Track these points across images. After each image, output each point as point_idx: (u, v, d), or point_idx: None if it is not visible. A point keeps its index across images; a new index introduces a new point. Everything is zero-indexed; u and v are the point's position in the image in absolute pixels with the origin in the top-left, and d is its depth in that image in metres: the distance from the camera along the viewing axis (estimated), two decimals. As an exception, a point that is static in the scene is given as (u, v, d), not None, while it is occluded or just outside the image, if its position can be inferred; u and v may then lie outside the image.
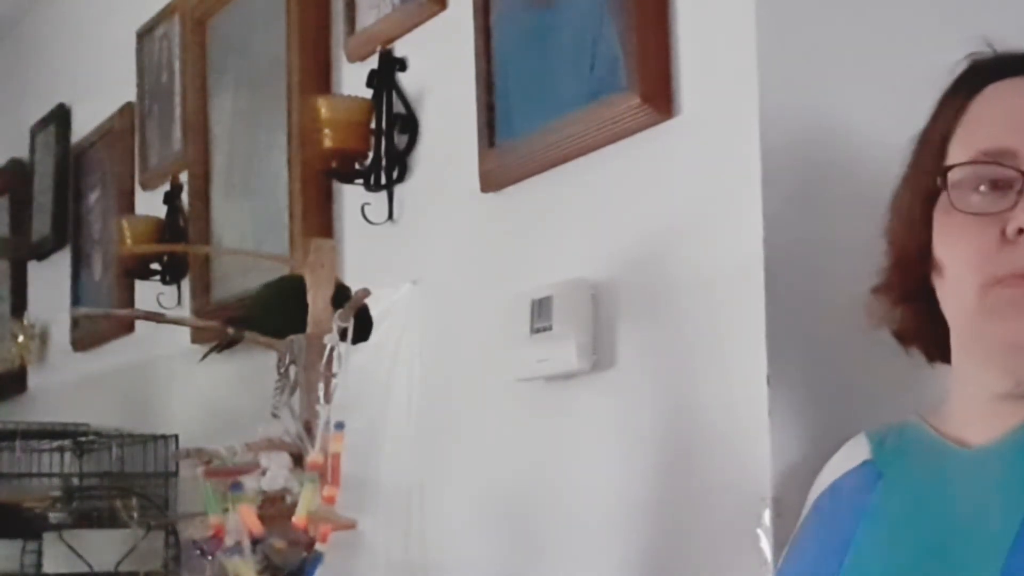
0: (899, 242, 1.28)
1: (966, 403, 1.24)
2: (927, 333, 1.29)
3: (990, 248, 1.16)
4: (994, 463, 1.18)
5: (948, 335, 1.26)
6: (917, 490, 1.23)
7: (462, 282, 2.15)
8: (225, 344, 2.10)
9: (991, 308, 1.17)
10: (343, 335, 1.71)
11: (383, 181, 2.33)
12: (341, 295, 1.80)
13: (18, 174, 4.30)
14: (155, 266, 3.19)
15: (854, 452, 1.33)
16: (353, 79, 2.44)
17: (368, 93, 2.34)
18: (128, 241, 3.14)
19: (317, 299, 1.78)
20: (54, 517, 2.86)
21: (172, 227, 3.18)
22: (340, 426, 1.66)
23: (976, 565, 1.12)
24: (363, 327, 1.81)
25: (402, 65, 2.33)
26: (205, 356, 2.21)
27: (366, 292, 1.81)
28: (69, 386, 3.83)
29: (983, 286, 1.17)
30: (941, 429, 1.26)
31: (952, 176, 1.20)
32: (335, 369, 1.73)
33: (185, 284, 3.14)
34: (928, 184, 1.23)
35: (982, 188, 1.18)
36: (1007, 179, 1.17)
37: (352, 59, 2.47)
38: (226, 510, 1.69)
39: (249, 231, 2.85)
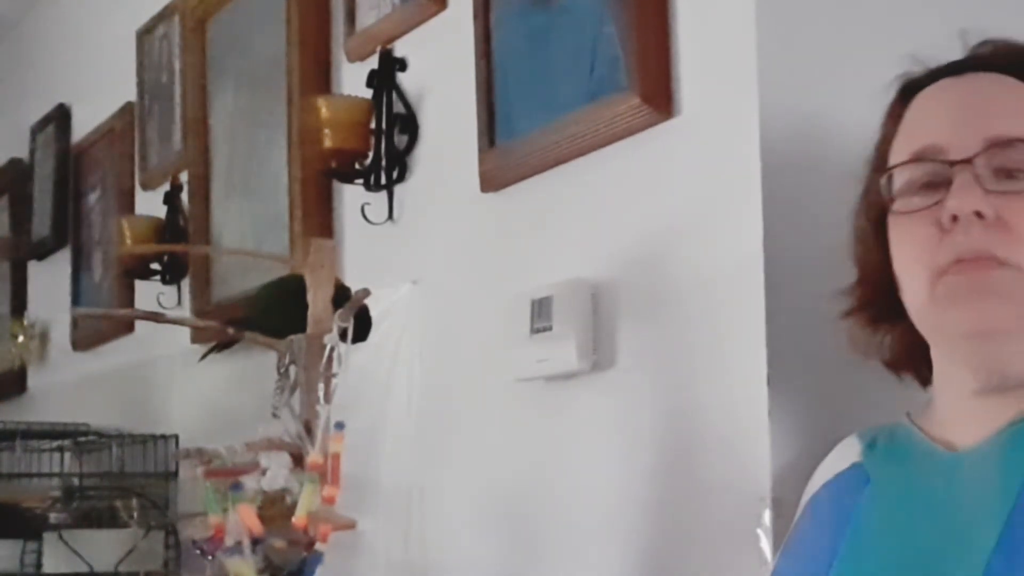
0: (861, 260, 1.30)
1: (948, 405, 1.24)
2: (916, 358, 1.30)
3: (930, 241, 1.18)
4: (977, 466, 1.19)
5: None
6: (902, 494, 1.24)
7: (462, 282, 2.15)
8: (224, 344, 2.10)
9: (941, 299, 1.18)
10: (343, 335, 1.71)
11: (383, 181, 2.33)
12: (341, 295, 1.80)
13: (18, 174, 4.30)
14: (155, 266, 3.19)
15: (845, 454, 1.33)
16: (353, 79, 2.44)
17: (368, 93, 2.34)
18: (128, 241, 3.14)
19: (317, 299, 1.78)
20: (54, 517, 2.86)
21: (172, 227, 3.18)
22: (340, 426, 1.67)
23: (958, 570, 1.13)
24: (362, 327, 1.81)
25: (402, 65, 2.33)
26: (204, 356, 2.22)
27: (366, 292, 1.81)
28: (69, 386, 3.83)
29: (931, 279, 1.18)
30: (928, 431, 1.26)
31: (894, 185, 1.22)
32: (335, 369, 1.74)
33: (185, 284, 3.14)
34: (876, 199, 1.25)
35: (920, 189, 1.20)
36: (938, 173, 1.19)
37: (352, 59, 2.47)
38: (226, 510, 1.69)
39: (249, 231, 2.85)
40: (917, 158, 1.20)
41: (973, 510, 1.16)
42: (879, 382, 1.49)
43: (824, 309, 1.48)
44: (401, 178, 2.31)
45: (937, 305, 1.18)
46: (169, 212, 3.20)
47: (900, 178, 1.21)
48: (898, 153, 1.23)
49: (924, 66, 1.28)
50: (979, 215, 1.15)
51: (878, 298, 1.28)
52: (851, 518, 1.25)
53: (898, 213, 1.21)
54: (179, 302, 3.16)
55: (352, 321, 1.72)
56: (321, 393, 1.72)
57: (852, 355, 1.35)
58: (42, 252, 4.11)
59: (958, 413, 1.23)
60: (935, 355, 1.26)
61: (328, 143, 2.31)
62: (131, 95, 3.50)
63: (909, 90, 1.27)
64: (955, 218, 1.16)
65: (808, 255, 1.55)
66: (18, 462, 3.16)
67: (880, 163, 1.26)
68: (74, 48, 4.01)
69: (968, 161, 1.16)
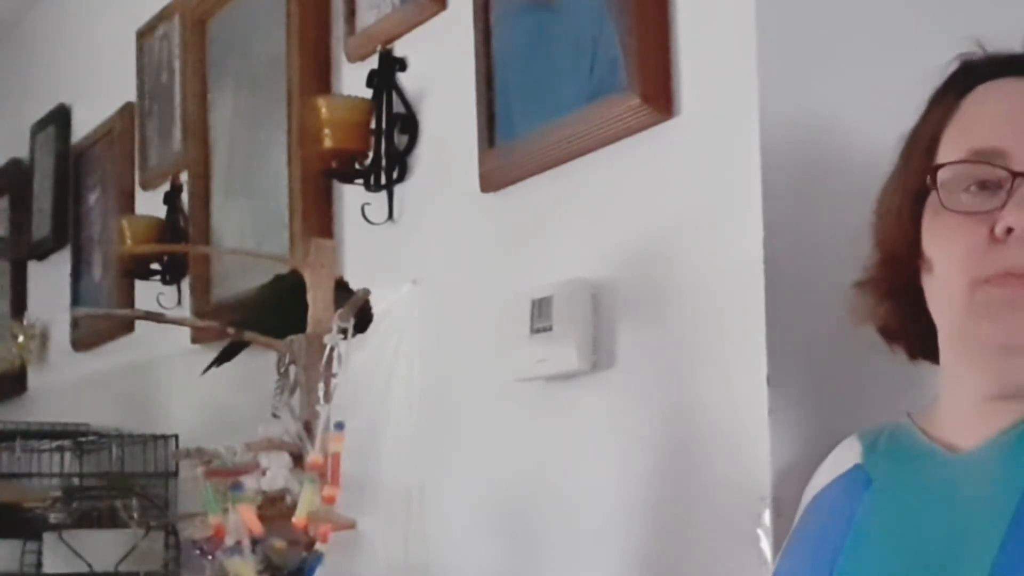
0: (887, 240, 1.27)
1: (955, 406, 1.24)
2: (910, 330, 1.29)
3: (979, 247, 1.16)
4: (980, 468, 1.18)
5: (931, 333, 1.26)
6: (905, 497, 1.23)
7: (462, 282, 2.15)
8: (227, 356, 2.09)
9: (980, 307, 1.16)
10: (343, 335, 1.71)
11: (383, 181, 2.33)
12: (343, 293, 1.80)
13: (18, 174, 4.30)
14: (155, 266, 3.19)
15: (846, 455, 1.32)
16: (353, 79, 2.44)
17: (368, 93, 2.34)
18: (128, 241, 3.14)
19: (317, 299, 1.78)
20: (54, 517, 2.86)
21: (172, 227, 3.18)
22: (340, 426, 1.67)
23: (963, 571, 1.12)
24: (363, 319, 1.81)
25: (402, 65, 2.33)
26: (207, 370, 2.19)
27: (366, 292, 1.81)
28: (69, 386, 3.83)
29: (972, 284, 1.17)
30: (930, 432, 1.25)
31: (941, 176, 1.19)
32: (335, 369, 1.74)
33: (185, 284, 3.14)
34: (917, 183, 1.23)
35: (972, 188, 1.18)
36: (996, 179, 1.16)
37: (352, 59, 2.47)
38: (226, 510, 1.69)
39: (249, 231, 2.85)
40: (976, 159, 1.18)
41: (977, 512, 1.15)
42: (879, 381, 1.49)
43: (824, 309, 1.48)
44: (401, 178, 2.31)
45: (973, 312, 1.17)
46: (169, 212, 3.20)
47: (949, 171, 1.19)
48: (953, 146, 1.20)
49: (985, 51, 1.25)
50: None
51: (898, 275, 1.26)
52: (853, 520, 1.24)
53: (947, 209, 1.18)
54: (179, 302, 3.16)
55: (352, 321, 1.72)
56: (321, 393, 1.72)
57: (850, 321, 1.33)
58: (42, 252, 4.10)
59: (964, 415, 1.22)
60: (949, 354, 1.24)
61: (328, 143, 2.31)
62: (131, 95, 3.50)
63: (967, 76, 1.24)
64: (1010, 230, 1.14)
65: (808, 255, 1.55)
66: (18, 462, 3.15)
67: (924, 145, 1.23)
68: (74, 48, 4.01)
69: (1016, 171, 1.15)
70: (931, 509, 1.20)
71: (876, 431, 1.32)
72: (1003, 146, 1.17)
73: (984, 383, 1.19)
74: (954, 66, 1.26)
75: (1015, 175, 1.15)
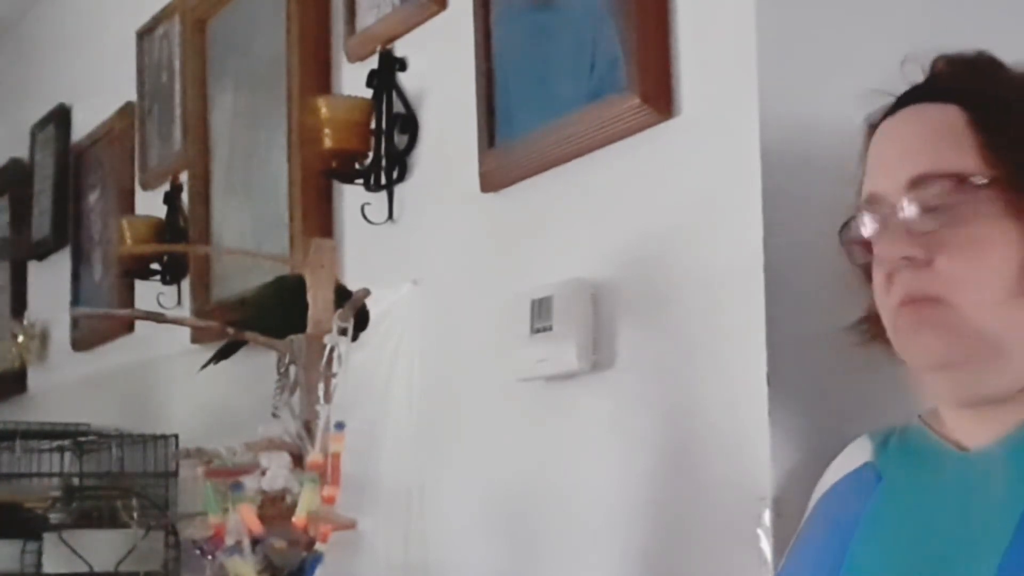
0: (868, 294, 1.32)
1: (948, 414, 1.26)
2: None
3: (883, 285, 1.23)
4: (990, 466, 1.20)
5: None
6: (915, 493, 1.25)
7: (462, 282, 2.15)
8: (225, 354, 2.09)
9: (899, 336, 1.23)
10: (343, 335, 1.71)
11: (383, 181, 2.33)
12: (341, 296, 1.80)
13: (18, 174, 4.31)
14: (155, 266, 3.20)
15: (856, 454, 1.34)
16: (353, 79, 2.44)
17: (368, 93, 2.34)
18: (128, 241, 3.14)
19: (317, 299, 1.78)
20: (54, 517, 2.86)
21: (172, 227, 3.18)
22: (340, 426, 1.67)
23: (971, 569, 1.13)
24: (360, 321, 1.82)
25: (402, 65, 2.33)
26: (204, 367, 2.20)
27: (366, 292, 1.81)
28: (69, 386, 3.83)
29: (890, 319, 1.23)
30: (940, 432, 1.27)
31: (864, 230, 1.25)
32: (335, 369, 1.74)
33: (185, 284, 3.14)
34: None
35: (879, 231, 1.24)
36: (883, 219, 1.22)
37: (352, 59, 2.47)
38: (226, 510, 1.69)
39: (249, 231, 2.86)
40: (864, 208, 1.25)
41: (986, 509, 1.16)
42: (879, 382, 1.49)
43: (824, 309, 1.48)
44: (401, 178, 2.31)
45: (898, 341, 1.24)
46: (169, 212, 3.21)
47: (870, 224, 1.25)
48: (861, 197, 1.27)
49: (888, 96, 1.30)
50: (909, 259, 1.19)
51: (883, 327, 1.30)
52: (863, 516, 1.26)
53: (873, 259, 1.25)
54: (179, 302, 3.16)
55: (352, 321, 1.72)
56: (321, 393, 1.72)
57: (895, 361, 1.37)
58: (42, 252, 4.11)
59: (959, 420, 1.24)
60: None
61: (328, 143, 2.31)
62: (131, 95, 3.50)
63: (871, 127, 1.30)
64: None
65: (808, 255, 1.55)
66: (18, 462, 3.15)
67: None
68: (74, 48, 4.01)
69: (893, 207, 1.20)
70: (941, 504, 1.21)
71: (887, 431, 1.34)
72: (878, 190, 1.24)
73: (943, 396, 1.24)
74: (864, 127, 1.32)
75: (884, 212, 1.21)
